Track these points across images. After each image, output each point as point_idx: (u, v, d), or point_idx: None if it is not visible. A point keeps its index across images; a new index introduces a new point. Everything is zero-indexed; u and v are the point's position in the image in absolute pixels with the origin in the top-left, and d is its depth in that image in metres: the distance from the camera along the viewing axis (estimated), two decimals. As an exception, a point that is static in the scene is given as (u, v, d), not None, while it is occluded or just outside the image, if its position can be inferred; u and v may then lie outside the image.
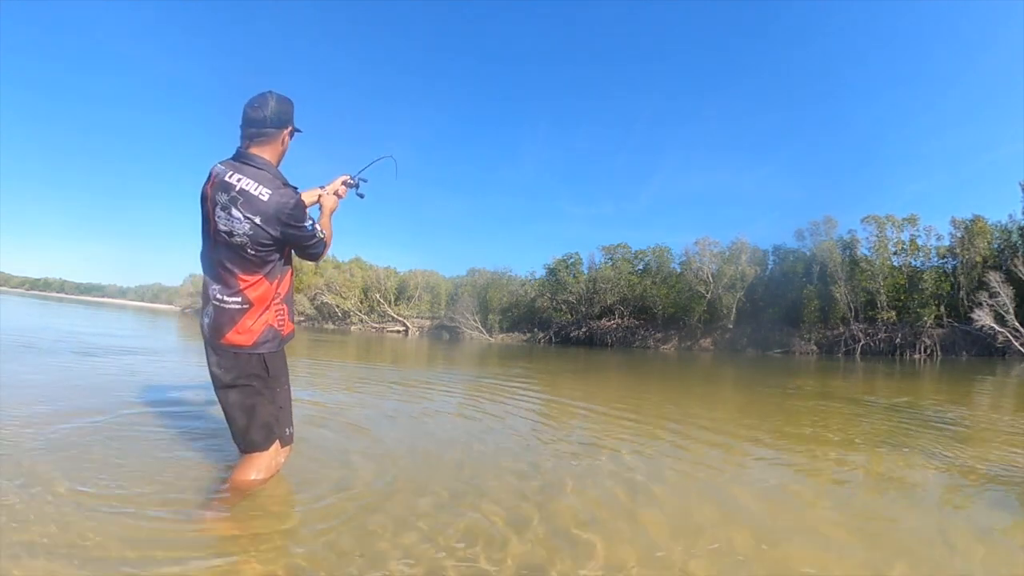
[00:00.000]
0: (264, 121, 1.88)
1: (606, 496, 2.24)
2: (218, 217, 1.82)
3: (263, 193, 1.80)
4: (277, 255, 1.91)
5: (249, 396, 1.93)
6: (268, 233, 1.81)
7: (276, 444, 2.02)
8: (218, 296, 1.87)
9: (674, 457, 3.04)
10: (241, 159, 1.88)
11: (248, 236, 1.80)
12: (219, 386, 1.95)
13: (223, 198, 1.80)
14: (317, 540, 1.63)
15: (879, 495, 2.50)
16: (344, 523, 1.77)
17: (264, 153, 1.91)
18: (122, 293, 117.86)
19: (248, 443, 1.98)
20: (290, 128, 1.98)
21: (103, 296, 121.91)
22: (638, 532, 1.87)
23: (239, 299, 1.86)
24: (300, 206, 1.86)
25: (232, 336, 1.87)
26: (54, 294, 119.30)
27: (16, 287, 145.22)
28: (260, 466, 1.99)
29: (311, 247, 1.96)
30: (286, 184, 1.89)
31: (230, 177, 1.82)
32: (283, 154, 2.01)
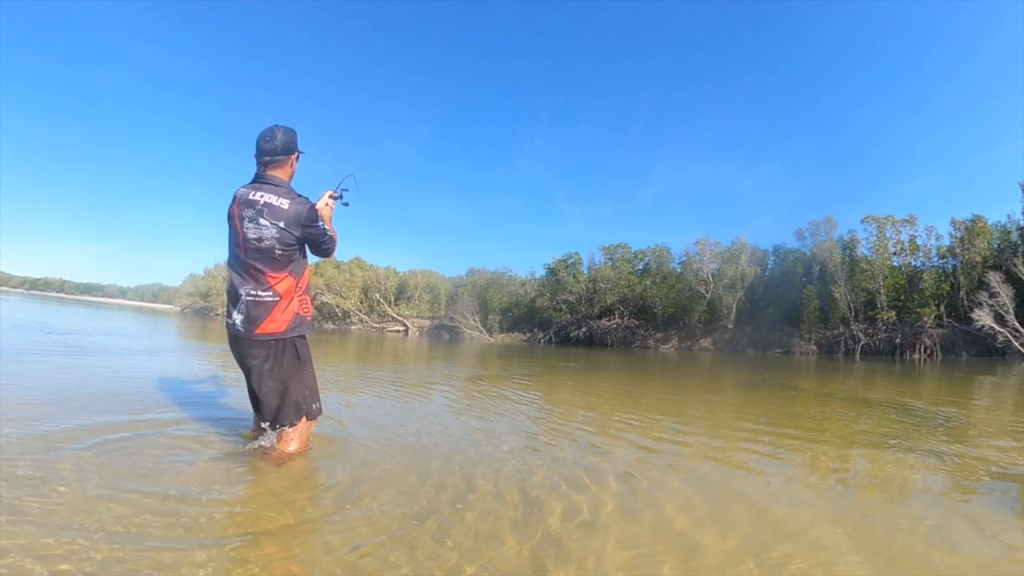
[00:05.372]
0: (275, 150, 2.28)
1: (605, 496, 2.24)
2: (246, 228, 2.21)
3: (283, 203, 2.22)
4: (299, 254, 2.34)
5: (281, 381, 2.31)
6: (292, 235, 2.23)
7: (304, 419, 2.40)
8: (252, 292, 2.26)
9: (674, 457, 3.04)
10: (260, 180, 2.30)
11: (275, 239, 2.21)
12: (255, 375, 2.31)
13: (249, 212, 2.21)
14: (327, 535, 1.63)
15: (879, 494, 2.50)
16: (346, 519, 1.78)
17: (278, 174, 2.33)
18: (122, 293, 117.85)
19: (281, 419, 2.33)
20: (296, 153, 2.39)
21: (103, 296, 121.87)
22: (637, 533, 1.87)
23: (270, 293, 2.26)
24: (314, 211, 2.30)
25: (266, 325, 2.26)
26: (54, 294, 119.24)
27: (16, 287, 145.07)
28: (292, 438, 2.36)
29: (324, 244, 2.40)
30: (299, 196, 2.32)
31: (253, 195, 2.23)
32: (293, 174, 2.42)
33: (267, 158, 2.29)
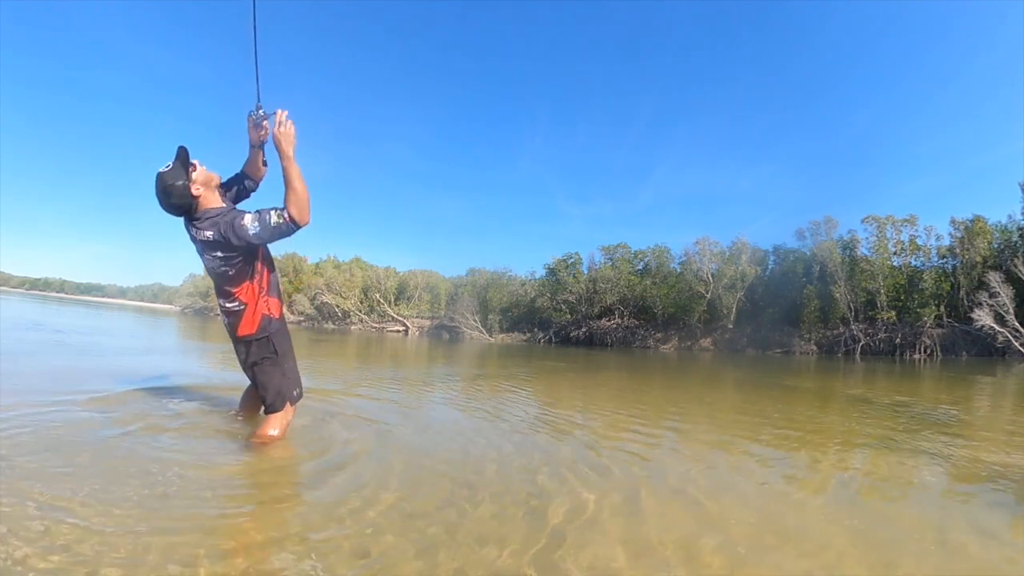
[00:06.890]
0: (179, 208, 2.37)
1: (603, 495, 2.24)
2: (202, 260, 2.52)
3: (208, 235, 2.37)
4: (250, 264, 2.51)
5: (264, 373, 2.62)
6: (229, 255, 2.41)
7: (288, 404, 2.68)
8: (224, 305, 2.58)
9: (673, 457, 3.04)
10: (192, 221, 2.43)
11: (220, 264, 2.45)
12: (245, 367, 2.66)
13: (198, 247, 2.48)
14: (330, 535, 1.64)
15: (878, 495, 2.50)
16: (344, 519, 1.78)
17: (200, 209, 2.41)
18: (122, 293, 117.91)
19: (268, 407, 2.65)
20: (185, 182, 2.30)
21: (103, 296, 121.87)
22: (635, 533, 1.87)
23: (237, 303, 2.54)
24: (231, 225, 2.31)
25: (242, 330, 2.57)
26: (54, 294, 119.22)
27: (16, 287, 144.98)
28: (275, 423, 2.64)
29: (278, 234, 2.34)
30: (219, 215, 2.38)
31: (192, 233, 2.43)
32: (211, 180, 2.42)
33: (182, 213, 2.40)
